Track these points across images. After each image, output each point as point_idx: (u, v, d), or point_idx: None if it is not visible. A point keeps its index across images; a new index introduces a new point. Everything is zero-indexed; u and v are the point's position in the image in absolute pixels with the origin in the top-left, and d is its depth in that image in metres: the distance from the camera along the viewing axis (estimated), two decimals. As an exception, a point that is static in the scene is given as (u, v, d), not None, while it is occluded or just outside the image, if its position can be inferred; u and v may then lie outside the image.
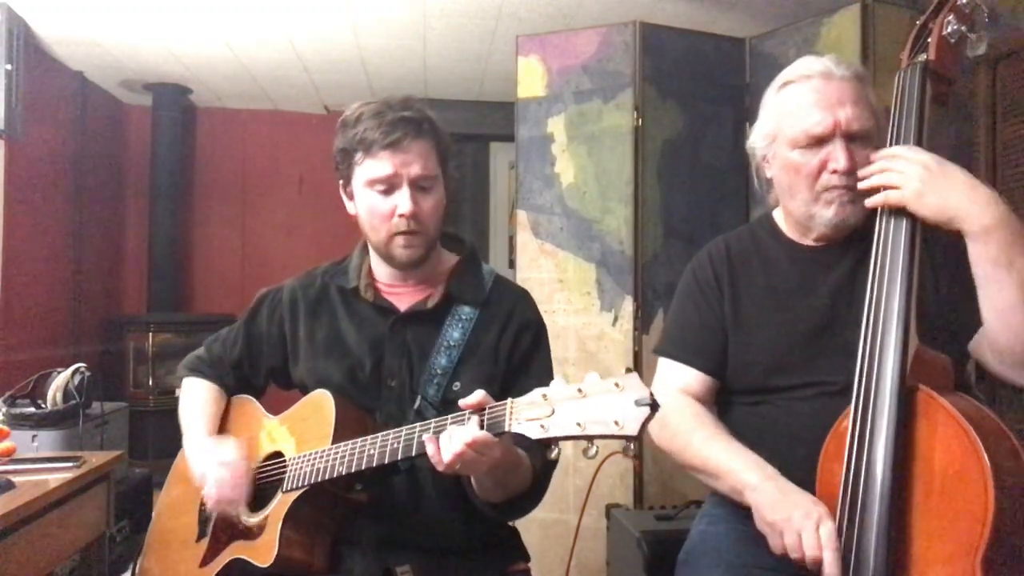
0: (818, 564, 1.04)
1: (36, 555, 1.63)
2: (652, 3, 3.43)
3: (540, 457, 1.23)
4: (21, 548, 1.55)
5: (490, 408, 1.04)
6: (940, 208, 1.11)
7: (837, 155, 1.24)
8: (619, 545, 2.14)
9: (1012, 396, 2.61)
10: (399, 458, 1.14)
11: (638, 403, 0.91)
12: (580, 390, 0.96)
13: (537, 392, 1.00)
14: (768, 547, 1.12)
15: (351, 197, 1.37)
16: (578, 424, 0.94)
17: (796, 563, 1.07)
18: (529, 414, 0.99)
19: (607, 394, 0.94)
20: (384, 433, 1.17)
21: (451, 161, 1.38)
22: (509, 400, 1.02)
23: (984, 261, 1.10)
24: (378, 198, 1.30)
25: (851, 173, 1.24)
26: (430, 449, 1.07)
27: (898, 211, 1.15)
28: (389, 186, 1.29)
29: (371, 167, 1.29)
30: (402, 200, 1.28)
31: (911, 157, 1.14)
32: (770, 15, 3.38)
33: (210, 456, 1.32)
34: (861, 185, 1.19)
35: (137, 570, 1.52)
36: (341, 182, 1.37)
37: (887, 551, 1.00)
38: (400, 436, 1.14)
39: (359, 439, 1.19)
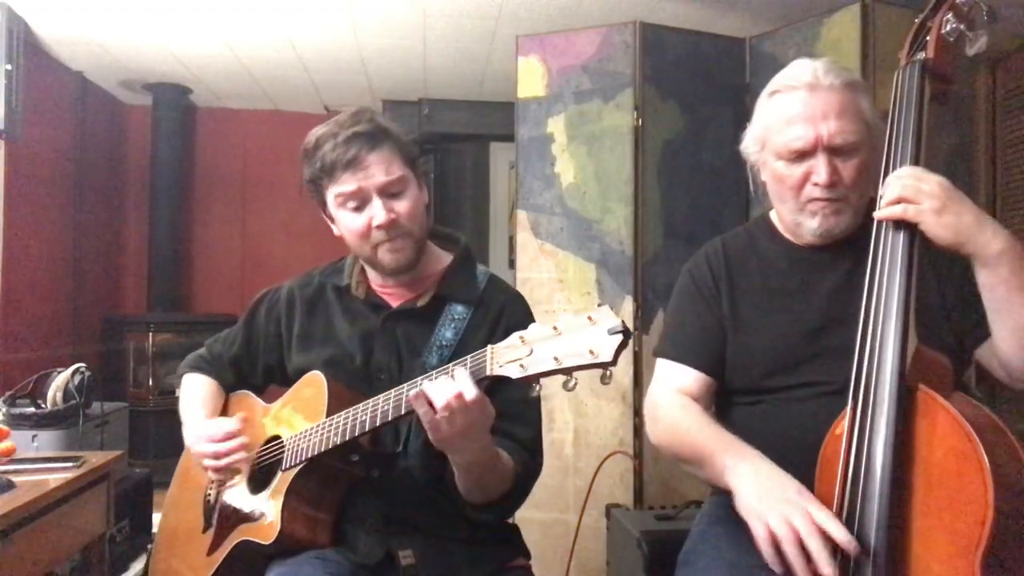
0: (819, 540, 0.99)
1: (36, 555, 1.63)
2: (652, 3, 3.43)
3: (520, 462, 1.27)
4: (21, 548, 1.55)
5: (472, 356, 1.08)
6: (955, 229, 1.10)
7: (819, 169, 1.24)
8: (619, 545, 2.14)
9: (1012, 396, 2.61)
10: (390, 419, 1.15)
11: (611, 331, 0.95)
12: (555, 327, 1.00)
13: (515, 336, 1.04)
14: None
15: (330, 220, 1.39)
16: (555, 359, 0.98)
17: (788, 547, 1.02)
18: (509, 356, 1.03)
19: (581, 328, 0.98)
20: (374, 399, 1.18)
21: (420, 159, 1.39)
22: (489, 347, 1.06)
23: (998, 285, 1.11)
24: (352, 216, 1.32)
25: (833, 186, 1.24)
26: (418, 404, 1.09)
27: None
28: (359, 201, 1.31)
29: (336, 189, 1.31)
30: (376, 212, 1.30)
31: (926, 176, 1.13)
32: (770, 15, 3.38)
33: (204, 430, 1.36)
34: (881, 206, 1.15)
35: (148, 571, 1.53)
36: (320, 208, 1.39)
37: (886, 551, 0.99)
38: (390, 398, 1.16)
39: (351, 408, 1.21)
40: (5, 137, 3.58)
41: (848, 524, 1.03)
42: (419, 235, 1.35)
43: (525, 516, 2.58)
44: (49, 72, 4.21)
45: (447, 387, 1.07)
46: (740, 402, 1.36)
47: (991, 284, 1.12)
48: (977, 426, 0.97)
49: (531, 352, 1.01)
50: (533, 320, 1.42)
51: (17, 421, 2.43)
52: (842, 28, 2.60)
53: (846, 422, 1.08)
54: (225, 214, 5.28)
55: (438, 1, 3.50)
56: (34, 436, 2.43)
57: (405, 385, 1.14)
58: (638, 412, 2.57)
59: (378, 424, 1.17)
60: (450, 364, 1.10)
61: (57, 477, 1.73)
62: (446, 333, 1.35)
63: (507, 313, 1.39)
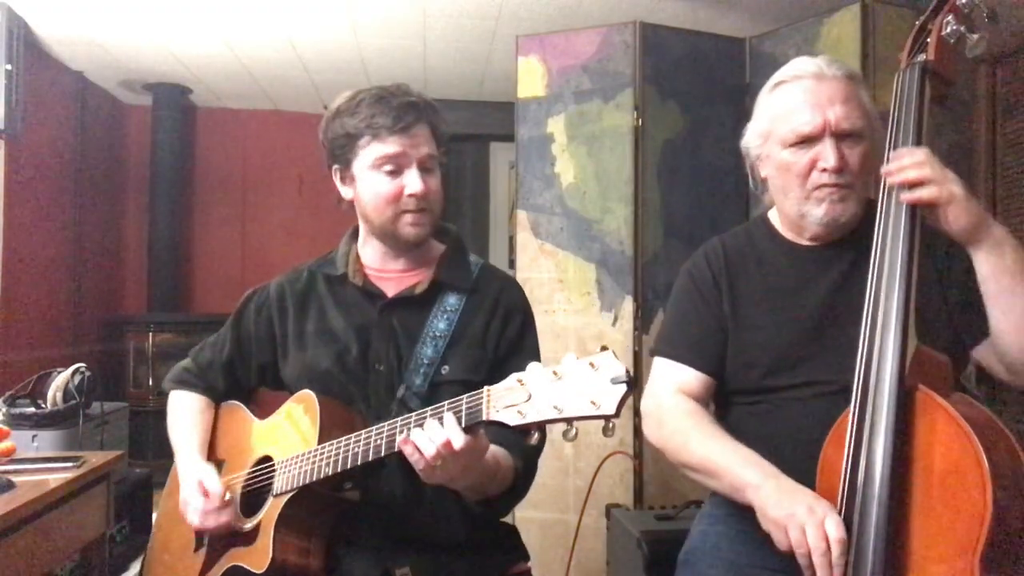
0: (825, 559, 1.02)
1: (36, 555, 1.63)
2: (652, 3, 3.43)
3: (521, 455, 1.26)
4: (21, 548, 1.55)
5: (468, 397, 1.04)
6: (975, 215, 1.10)
7: (826, 154, 1.24)
8: (619, 545, 2.14)
9: (1011, 396, 2.61)
10: (383, 454, 1.14)
11: (614, 381, 0.91)
12: (556, 372, 0.95)
13: (513, 378, 0.99)
14: (769, 546, 1.11)
15: (350, 182, 1.37)
16: (555, 407, 0.94)
17: (802, 559, 1.05)
18: (507, 400, 0.98)
19: (583, 374, 0.93)
20: (368, 430, 1.17)
21: (442, 147, 1.40)
22: (486, 388, 1.02)
23: (1001, 273, 1.11)
24: (385, 179, 1.32)
25: (841, 172, 1.24)
26: (407, 451, 1.07)
27: (899, 209, 1.14)
28: (397, 167, 1.31)
29: (379, 149, 1.31)
30: (412, 180, 1.30)
31: (942, 165, 1.12)
32: (770, 15, 3.39)
33: (194, 487, 1.33)
34: (897, 179, 1.14)
35: None
36: (337, 167, 1.38)
37: (886, 551, 1.00)
38: (383, 432, 1.14)
39: (344, 438, 1.19)
40: (5, 137, 3.59)
41: (848, 523, 1.03)
42: (438, 216, 1.38)
43: (525, 516, 2.58)
44: (49, 72, 4.21)
45: (435, 435, 1.04)
46: (740, 402, 1.36)
47: (995, 274, 1.12)
48: (976, 426, 0.98)
49: (529, 397, 0.96)
50: (529, 307, 1.42)
51: (17, 421, 2.42)
52: (842, 28, 2.60)
53: (846, 422, 1.08)
54: (225, 214, 5.28)
55: (438, 1, 3.51)
56: (34, 436, 2.43)
57: (399, 420, 1.12)
58: (638, 412, 2.56)
59: (370, 459, 1.15)
60: (444, 403, 1.07)
61: (57, 477, 1.73)
62: (439, 324, 1.35)
63: (504, 298, 1.39)
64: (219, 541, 1.35)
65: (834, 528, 1.02)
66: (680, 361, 1.37)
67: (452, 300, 1.37)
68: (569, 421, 0.95)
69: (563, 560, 2.57)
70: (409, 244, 1.36)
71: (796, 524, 1.05)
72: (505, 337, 1.36)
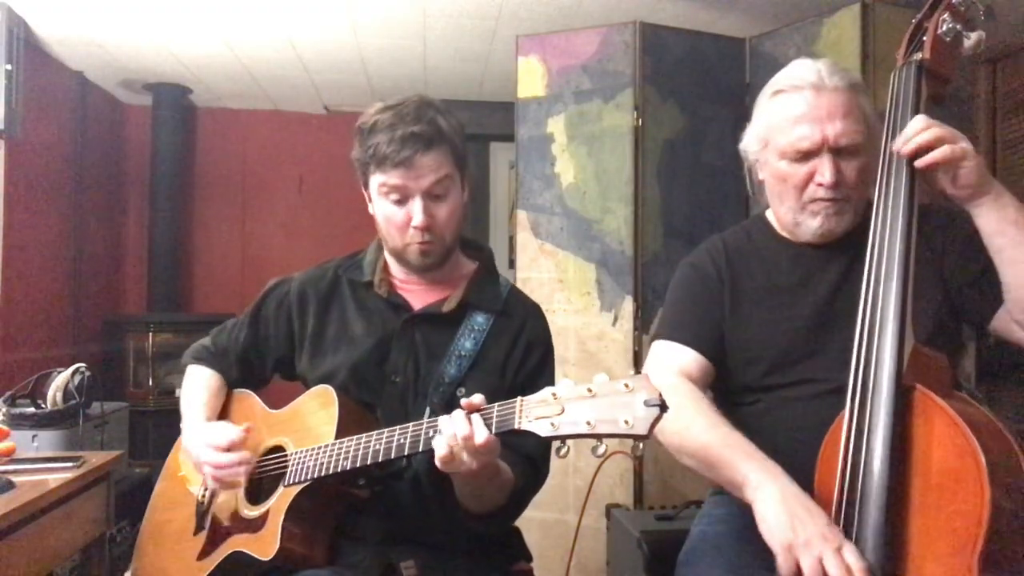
0: None
1: (36, 555, 1.63)
2: (652, 3, 3.43)
3: (522, 476, 1.26)
4: (21, 548, 1.55)
5: (500, 406, 1.06)
6: (982, 172, 1.12)
7: (824, 170, 1.24)
8: (619, 545, 2.14)
9: (1010, 396, 2.61)
10: (405, 453, 1.14)
11: (648, 404, 0.93)
12: (590, 390, 0.98)
13: (547, 391, 1.01)
14: (767, 547, 1.11)
15: (371, 200, 1.38)
16: (588, 423, 0.96)
17: None
18: (539, 412, 1.01)
19: (617, 394, 0.96)
20: (391, 429, 1.17)
21: (469, 160, 1.38)
22: (519, 398, 1.04)
23: (1007, 225, 1.12)
24: (392, 207, 1.32)
25: (837, 187, 1.25)
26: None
27: (895, 207, 1.14)
28: (402, 196, 1.31)
29: (382, 179, 1.31)
30: (415, 211, 1.30)
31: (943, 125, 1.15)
32: (770, 15, 3.38)
33: (208, 435, 1.33)
34: (910, 147, 1.15)
35: (132, 565, 1.52)
36: (362, 183, 1.39)
37: (884, 550, 1.00)
38: (407, 432, 1.15)
39: (364, 434, 1.20)
40: (5, 137, 3.58)
41: (847, 524, 1.03)
42: (450, 241, 1.36)
43: (525, 516, 2.57)
44: (49, 72, 4.20)
45: (460, 429, 1.05)
46: (739, 402, 1.36)
47: (1001, 227, 1.13)
48: (974, 425, 0.98)
49: (562, 411, 0.99)
50: (550, 338, 1.43)
51: (17, 421, 2.42)
52: (842, 28, 2.60)
53: (844, 422, 1.08)
54: (225, 214, 5.28)
55: (438, 1, 3.50)
56: (34, 436, 2.43)
57: (424, 421, 1.13)
58: (638, 412, 2.56)
59: (392, 456, 1.16)
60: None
61: (57, 477, 1.73)
62: (466, 343, 1.35)
63: (529, 326, 1.40)
64: (221, 526, 1.36)
65: (854, 557, 0.98)
66: (679, 342, 1.36)
67: (480, 320, 1.37)
68: (600, 437, 0.97)
69: (563, 560, 2.57)
70: (417, 268, 1.37)
71: (811, 553, 1.00)
72: (524, 369, 1.36)
